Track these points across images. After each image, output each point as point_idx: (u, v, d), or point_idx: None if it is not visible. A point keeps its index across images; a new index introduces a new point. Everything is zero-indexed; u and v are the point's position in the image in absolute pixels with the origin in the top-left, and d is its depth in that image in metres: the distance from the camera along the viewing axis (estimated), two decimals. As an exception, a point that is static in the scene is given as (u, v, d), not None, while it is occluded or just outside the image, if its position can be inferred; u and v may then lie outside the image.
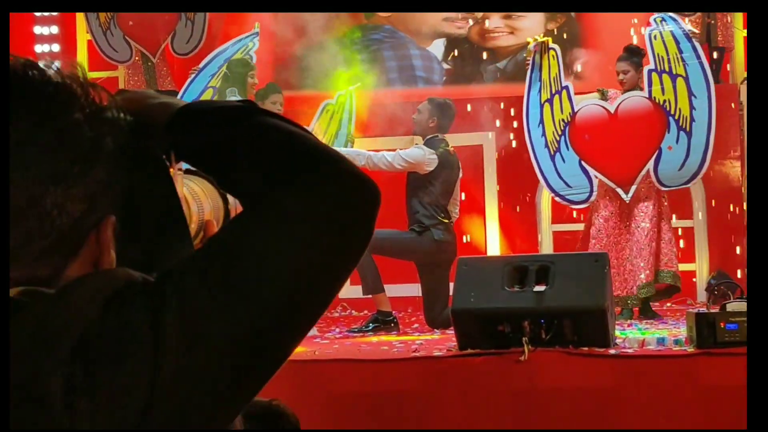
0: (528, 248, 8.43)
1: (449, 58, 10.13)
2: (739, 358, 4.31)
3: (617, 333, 5.31)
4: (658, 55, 6.79)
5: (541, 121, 6.97)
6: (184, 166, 1.30)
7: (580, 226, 7.36)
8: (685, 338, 4.99)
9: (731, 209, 8.46)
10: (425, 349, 5.26)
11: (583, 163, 6.91)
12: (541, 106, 6.97)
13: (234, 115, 1.09)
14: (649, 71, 6.80)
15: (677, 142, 6.75)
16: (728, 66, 9.26)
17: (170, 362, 0.95)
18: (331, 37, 9.26)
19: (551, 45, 7.04)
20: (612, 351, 4.81)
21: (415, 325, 6.96)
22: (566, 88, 6.94)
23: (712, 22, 9.02)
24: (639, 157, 6.78)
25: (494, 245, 8.71)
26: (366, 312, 7.42)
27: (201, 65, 7.44)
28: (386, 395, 4.80)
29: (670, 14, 6.95)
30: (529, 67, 7.07)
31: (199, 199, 1.49)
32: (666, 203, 6.87)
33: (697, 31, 7.02)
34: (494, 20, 9.95)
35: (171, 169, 1.21)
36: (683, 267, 8.32)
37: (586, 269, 4.87)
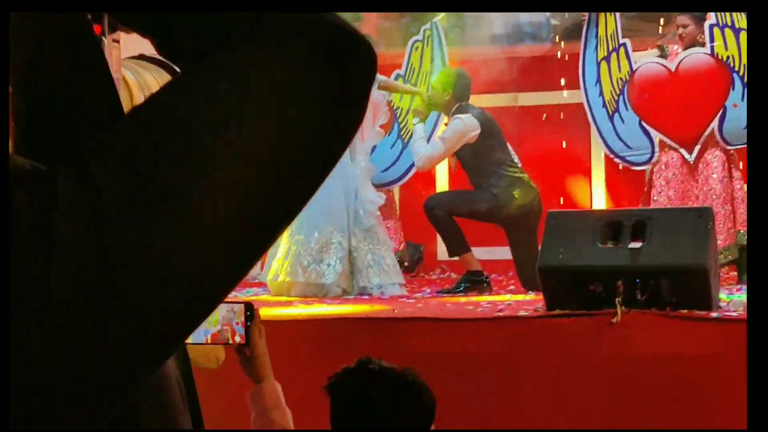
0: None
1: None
2: None
3: (721, 296, 4.90)
4: None
5: (598, 80, 6.74)
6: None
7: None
8: (798, 303, 4.55)
9: None
10: (512, 309, 4.96)
11: (643, 123, 6.65)
12: (598, 64, 6.74)
13: None
14: (711, 26, 6.45)
15: (743, 99, 6.37)
16: None
17: (58, 282, 0.66)
18: None
19: None
20: (714, 314, 4.42)
21: (512, 287, 6.65)
22: (624, 45, 6.69)
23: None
24: (702, 116, 6.47)
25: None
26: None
27: None
28: (466, 356, 4.51)
29: None
30: (585, 23, 6.80)
31: (151, 91, 1.22)
32: (736, 161, 6.49)
33: None
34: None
35: (105, 37, 0.95)
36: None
37: (687, 225, 4.48)
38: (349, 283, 6.24)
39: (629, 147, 6.73)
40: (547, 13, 9.63)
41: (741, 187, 6.47)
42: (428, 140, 6.85)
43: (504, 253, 7.08)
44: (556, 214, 4.85)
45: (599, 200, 8.32)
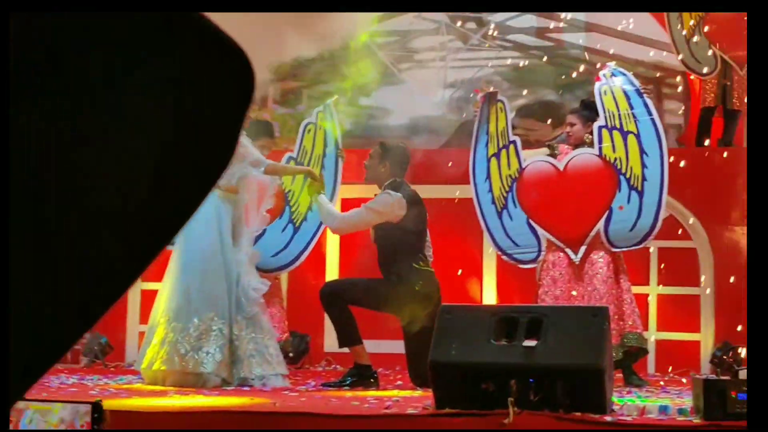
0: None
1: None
2: (753, 432, 3.78)
3: (613, 399, 4.78)
4: (608, 110, 6.55)
5: (488, 177, 6.74)
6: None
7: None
8: (691, 408, 4.47)
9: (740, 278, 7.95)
10: (400, 406, 4.75)
11: (530, 221, 6.67)
12: (488, 160, 6.75)
13: None
14: (600, 128, 6.55)
15: (628, 201, 6.48)
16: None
17: None
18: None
19: (499, 97, 6.81)
20: (608, 418, 4.29)
21: (399, 382, 6.44)
22: (513, 142, 6.73)
23: (728, 83, 8.59)
24: (589, 217, 6.52)
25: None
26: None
27: None
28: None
29: (620, 69, 6.74)
30: (476, 119, 6.82)
31: None
32: (622, 263, 6.53)
33: (649, 87, 6.76)
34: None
35: None
36: (688, 336, 7.84)
37: (583, 324, 4.37)
38: (229, 372, 5.95)
39: (517, 244, 6.70)
40: (445, 109, 9.70)
41: (628, 289, 6.46)
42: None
43: (391, 346, 6.89)
44: (449, 308, 4.69)
45: (490, 296, 8.23)
